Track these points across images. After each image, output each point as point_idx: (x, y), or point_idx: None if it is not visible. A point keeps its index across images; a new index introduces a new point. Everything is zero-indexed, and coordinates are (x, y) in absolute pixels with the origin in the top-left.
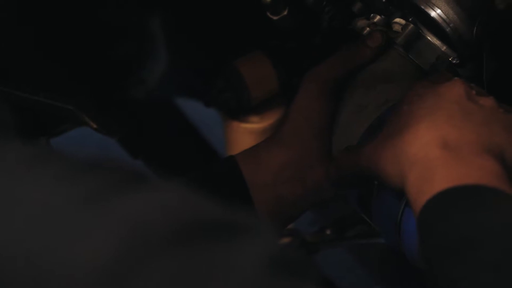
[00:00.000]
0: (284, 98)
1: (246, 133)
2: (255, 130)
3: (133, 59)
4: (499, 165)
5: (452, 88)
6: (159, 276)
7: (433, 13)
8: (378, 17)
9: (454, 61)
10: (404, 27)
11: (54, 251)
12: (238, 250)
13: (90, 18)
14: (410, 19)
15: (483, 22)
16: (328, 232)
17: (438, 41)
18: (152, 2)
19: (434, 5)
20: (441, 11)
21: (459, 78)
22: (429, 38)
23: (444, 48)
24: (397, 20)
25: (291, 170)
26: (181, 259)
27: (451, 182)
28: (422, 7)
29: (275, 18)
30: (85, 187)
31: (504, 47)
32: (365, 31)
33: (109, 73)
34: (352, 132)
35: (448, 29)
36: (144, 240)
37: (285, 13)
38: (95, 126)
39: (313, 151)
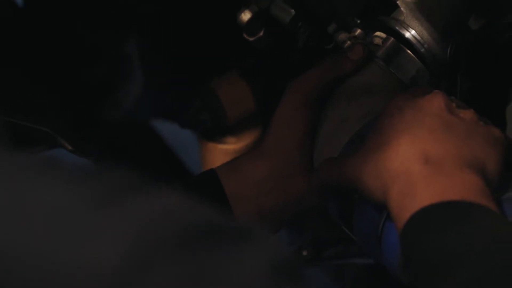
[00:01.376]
0: (260, 119)
1: (222, 154)
2: (231, 151)
3: (108, 81)
4: (481, 180)
5: (432, 101)
6: (166, 279)
7: (407, 34)
8: (358, 30)
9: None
10: (384, 40)
11: (64, 253)
12: (241, 255)
13: (66, 41)
14: None
15: (457, 42)
16: (305, 253)
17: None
18: (127, 25)
19: (408, 26)
20: (415, 32)
21: (439, 91)
22: (409, 51)
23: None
24: (378, 33)
25: (273, 182)
26: (186, 263)
27: (433, 198)
28: (397, 28)
29: (251, 39)
30: (94, 191)
31: (477, 67)
32: (346, 44)
33: (85, 95)
34: (334, 144)
35: (422, 50)
36: (151, 243)
37: (261, 34)
38: (70, 147)
39: (295, 162)
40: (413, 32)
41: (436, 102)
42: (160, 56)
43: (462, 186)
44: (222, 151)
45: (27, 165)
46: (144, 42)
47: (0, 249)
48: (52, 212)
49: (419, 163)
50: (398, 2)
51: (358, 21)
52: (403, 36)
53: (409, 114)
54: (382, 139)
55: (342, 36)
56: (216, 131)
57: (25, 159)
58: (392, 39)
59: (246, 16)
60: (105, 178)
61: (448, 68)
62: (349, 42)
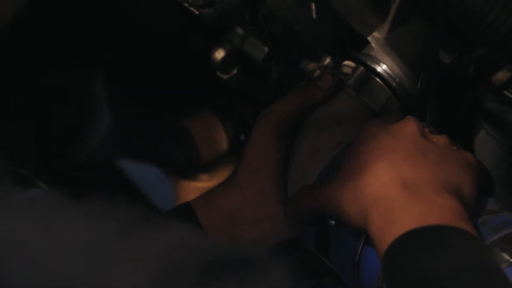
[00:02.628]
0: (233, 156)
1: (196, 192)
2: (205, 188)
3: (76, 121)
4: (459, 203)
5: (406, 126)
6: None
7: (379, 69)
8: (327, 60)
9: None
10: (354, 69)
11: (93, 283)
12: (253, 285)
13: (33, 81)
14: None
15: (426, 77)
16: None
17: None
18: (95, 64)
19: (380, 61)
20: (387, 66)
21: (411, 117)
22: (378, 80)
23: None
24: (347, 62)
25: (247, 212)
26: None
27: (413, 223)
28: (368, 63)
29: (224, 77)
30: (114, 224)
31: (445, 100)
32: (316, 74)
33: (53, 136)
34: (307, 173)
35: (394, 84)
36: (173, 272)
37: (235, 72)
38: (46, 188)
39: (269, 192)
40: (384, 66)
41: (409, 127)
42: (129, 95)
43: (441, 210)
44: (195, 189)
45: (46, 201)
46: (112, 81)
47: (36, 277)
48: (77, 244)
49: (398, 188)
50: (369, 38)
51: (329, 57)
52: (374, 70)
53: (383, 140)
54: (358, 165)
55: (312, 65)
56: (190, 169)
57: (41, 197)
58: (361, 68)
59: (219, 54)
60: (122, 212)
61: (418, 102)
62: (318, 71)
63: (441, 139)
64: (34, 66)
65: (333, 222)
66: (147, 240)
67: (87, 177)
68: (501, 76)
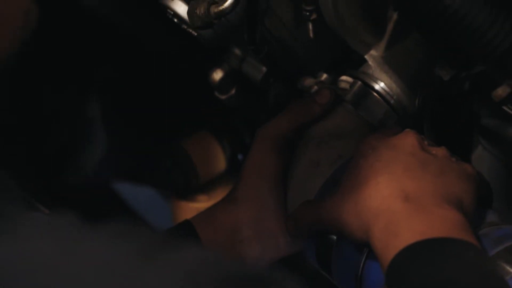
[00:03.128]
0: (231, 176)
1: (194, 213)
2: (203, 209)
3: (70, 144)
4: (460, 215)
5: (405, 139)
6: None
7: (377, 86)
8: (324, 75)
9: None
10: (352, 84)
11: None
12: None
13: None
14: None
15: (424, 94)
16: None
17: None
18: (89, 87)
19: (377, 78)
20: (384, 84)
21: (410, 130)
22: (376, 94)
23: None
24: (344, 78)
25: (248, 228)
26: None
27: (416, 236)
28: (366, 80)
29: (223, 97)
30: (135, 246)
31: (442, 117)
32: (313, 89)
33: (47, 160)
34: (308, 188)
35: (392, 101)
36: None
37: (233, 92)
38: (47, 211)
39: (269, 207)
40: (382, 84)
41: (409, 140)
42: (126, 117)
43: (443, 223)
44: (194, 209)
45: (65, 224)
46: (107, 104)
47: None
48: (101, 266)
49: (400, 201)
50: (366, 56)
51: (326, 73)
52: (372, 87)
53: (384, 153)
54: (359, 179)
55: (309, 81)
56: (188, 190)
57: (62, 220)
58: (359, 82)
59: (218, 75)
60: (142, 233)
61: (416, 118)
62: (316, 87)
63: (440, 151)
64: (28, 89)
65: (335, 237)
66: (165, 261)
67: (82, 200)
68: (501, 91)
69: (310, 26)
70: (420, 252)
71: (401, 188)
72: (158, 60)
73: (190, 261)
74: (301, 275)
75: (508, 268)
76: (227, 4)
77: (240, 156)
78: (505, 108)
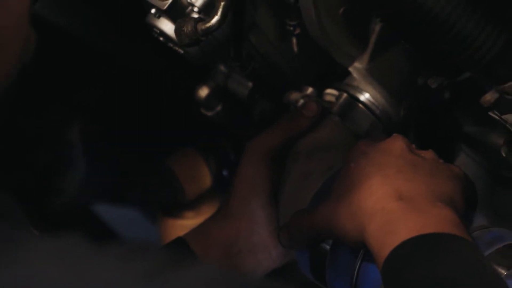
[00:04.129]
0: (217, 192)
1: (182, 230)
2: (191, 226)
3: (51, 167)
4: (453, 212)
5: (394, 143)
6: None
7: (362, 97)
8: (310, 89)
9: None
10: (338, 96)
11: None
12: None
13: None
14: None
15: (408, 103)
16: None
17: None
18: (70, 109)
19: (362, 90)
20: (369, 95)
21: (398, 134)
22: (362, 106)
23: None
24: (329, 91)
25: (242, 242)
26: None
27: (412, 233)
28: (351, 92)
29: (209, 114)
30: (143, 266)
31: (425, 126)
32: (299, 103)
33: (29, 184)
34: (299, 200)
35: (377, 112)
36: None
37: (219, 108)
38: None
39: (261, 221)
40: (367, 95)
41: (398, 144)
42: (106, 139)
43: (437, 220)
44: (182, 227)
45: (73, 245)
46: (87, 126)
47: None
48: (109, 286)
49: (394, 201)
50: (350, 68)
51: (312, 87)
52: (358, 99)
53: (374, 157)
54: (352, 183)
55: (295, 95)
56: (175, 207)
57: (69, 240)
58: (345, 94)
59: (204, 92)
60: (148, 254)
61: (401, 128)
62: (302, 100)
63: (428, 154)
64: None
65: (328, 247)
66: (173, 280)
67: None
68: (489, 97)
69: (294, 41)
70: (416, 247)
71: (395, 189)
72: (140, 79)
73: (198, 279)
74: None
75: (499, 269)
76: (213, 21)
77: (225, 172)
78: (491, 114)
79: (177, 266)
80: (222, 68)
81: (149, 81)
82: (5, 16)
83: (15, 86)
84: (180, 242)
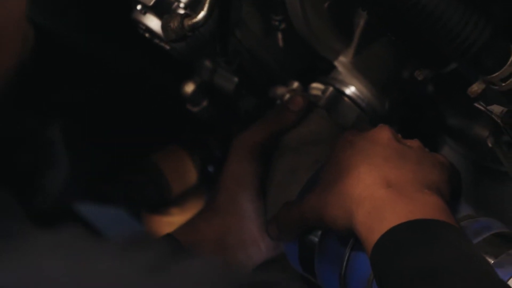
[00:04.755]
0: (203, 188)
1: (168, 226)
2: (177, 222)
3: (33, 168)
4: (440, 199)
5: (380, 133)
6: None
7: (347, 91)
8: (296, 83)
9: None
10: (324, 90)
11: None
12: None
13: None
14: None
15: (393, 96)
16: None
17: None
18: (49, 109)
19: (348, 83)
20: (355, 88)
21: (383, 124)
22: (347, 99)
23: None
24: (314, 85)
25: (232, 237)
26: None
27: (401, 219)
28: (337, 86)
29: (195, 109)
30: (145, 257)
31: (409, 119)
32: (286, 97)
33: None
34: (287, 194)
35: (363, 105)
36: None
37: (205, 104)
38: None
39: (250, 215)
40: (352, 88)
41: (384, 133)
42: (88, 138)
43: (425, 206)
44: (168, 223)
45: (74, 238)
46: (69, 126)
47: None
48: (114, 280)
49: (382, 187)
50: (335, 62)
51: (297, 81)
52: (343, 92)
53: (361, 146)
54: (339, 171)
55: (281, 90)
56: (161, 204)
57: (70, 233)
58: (331, 88)
59: (189, 87)
60: (152, 246)
61: (386, 121)
62: (288, 95)
63: (414, 143)
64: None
65: (316, 239)
66: (177, 273)
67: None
68: (476, 87)
69: (280, 36)
70: (404, 233)
71: (382, 176)
72: (122, 78)
73: (200, 270)
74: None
75: (487, 258)
76: (200, 16)
77: (210, 168)
78: (477, 105)
79: (179, 257)
80: (207, 63)
81: (131, 79)
82: (5, 15)
83: (14, 85)
84: (170, 238)
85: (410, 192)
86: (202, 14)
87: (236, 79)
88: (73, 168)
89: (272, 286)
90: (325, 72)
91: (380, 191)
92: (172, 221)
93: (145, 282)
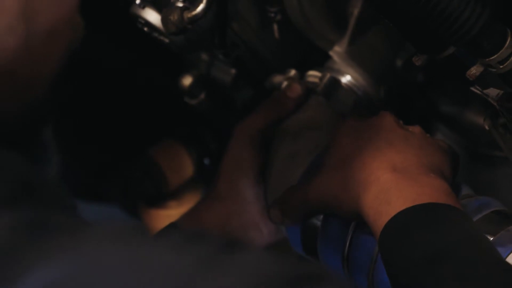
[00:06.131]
0: (199, 180)
1: (166, 220)
2: (175, 215)
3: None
4: (444, 182)
5: (383, 118)
6: None
7: (343, 80)
8: (293, 71)
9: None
10: (322, 77)
11: None
12: None
13: None
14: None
15: (388, 84)
16: None
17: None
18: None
19: (344, 72)
20: (351, 77)
21: (385, 111)
22: (345, 85)
23: (360, 92)
24: (311, 72)
25: (234, 222)
26: None
27: (408, 202)
28: (333, 75)
29: (193, 102)
30: (199, 251)
31: (401, 108)
32: (284, 85)
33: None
34: (287, 179)
35: (359, 93)
36: None
37: (202, 97)
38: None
39: (251, 200)
40: (348, 77)
41: (387, 119)
42: (81, 136)
43: (431, 190)
44: (166, 217)
45: (130, 230)
46: (61, 124)
47: None
48: (173, 273)
49: (388, 171)
50: (330, 52)
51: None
52: (339, 81)
53: (366, 131)
54: (344, 156)
55: (278, 78)
56: (158, 198)
57: (125, 225)
58: (328, 75)
59: (187, 80)
60: (206, 241)
61: (382, 109)
62: (285, 82)
63: (416, 129)
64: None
65: (319, 223)
66: (233, 266)
67: None
68: (474, 70)
69: (275, 27)
70: (413, 217)
71: (388, 161)
72: (113, 74)
73: (256, 262)
74: None
75: (487, 235)
76: (199, 9)
77: (206, 161)
78: (473, 89)
79: (235, 250)
80: (204, 56)
81: (122, 74)
82: (60, 8)
83: (65, 71)
84: (173, 227)
85: (415, 175)
86: (201, 7)
87: (233, 71)
88: (66, 167)
89: (320, 277)
90: (318, 64)
91: (386, 175)
92: (169, 214)
93: (204, 274)
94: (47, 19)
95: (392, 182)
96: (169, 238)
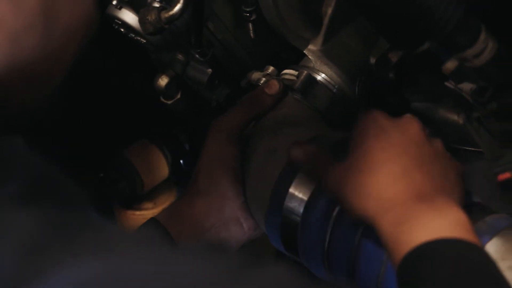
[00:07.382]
0: (175, 181)
1: (142, 220)
2: (150, 215)
3: None
4: (465, 214)
5: (411, 125)
6: None
7: (318, 77)
8: (271, 68)
9: None
10: (299, 74)
11: None
12: None
13: None
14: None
15: (363, 81)
16: None
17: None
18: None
19: (318, 70)
20: (325, 75)
21: (411, 116)
22: (322, 82)
23: (335, 90)
24: (287, 71)
25: (214, 217)
26: None
27: (429, 235)
28: (309, 72)
29: (169, 102)
30: (225, 262)
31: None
32: (262, 82)
33: None
34: (267, 175)
35: (334, 90)
36: None
37: (178, 96)
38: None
39: (230, 195)
40: (323, 75)
41: (415, 126)
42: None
43: (453, 223)
44: (141, 217)
45: (155, 237)
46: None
47: None
48: (198, 281)
49: (413, 198)
50: (305, 51)
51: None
52: (314, 79)
53: (395, 138)
54: (369, 160)
55: (256, 75)
56: (134, 199)
57: (150, 232)
58: (305, 72)
59: (163, 81)
60: (230, 253)
61: (356, 106)
62: (264, 79)
63: (439, 144)
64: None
65: (299, 219)
66: (259, 278)
67: None
68: (450, 65)
69: (250, 26)
70: (434, 251)
71: (414, 185)
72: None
73: (277, 277)
74: None
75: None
76: (176, 9)
77: (181, 162)
78: (447, 84)
79: (261, 263)
80: (180, 56)
81: (97, 76)
82: (79, 6)
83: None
84: (154, 223)
85: (439, 205)
86: (178, 7)
87: (209, 70)
88: (38, 169)
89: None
90: (291, 62)
91: (411, 201)
92: (145, 214)
93: (229, 285)
94: (66, 18)
95: (415, 209)
96: (195, 249)
